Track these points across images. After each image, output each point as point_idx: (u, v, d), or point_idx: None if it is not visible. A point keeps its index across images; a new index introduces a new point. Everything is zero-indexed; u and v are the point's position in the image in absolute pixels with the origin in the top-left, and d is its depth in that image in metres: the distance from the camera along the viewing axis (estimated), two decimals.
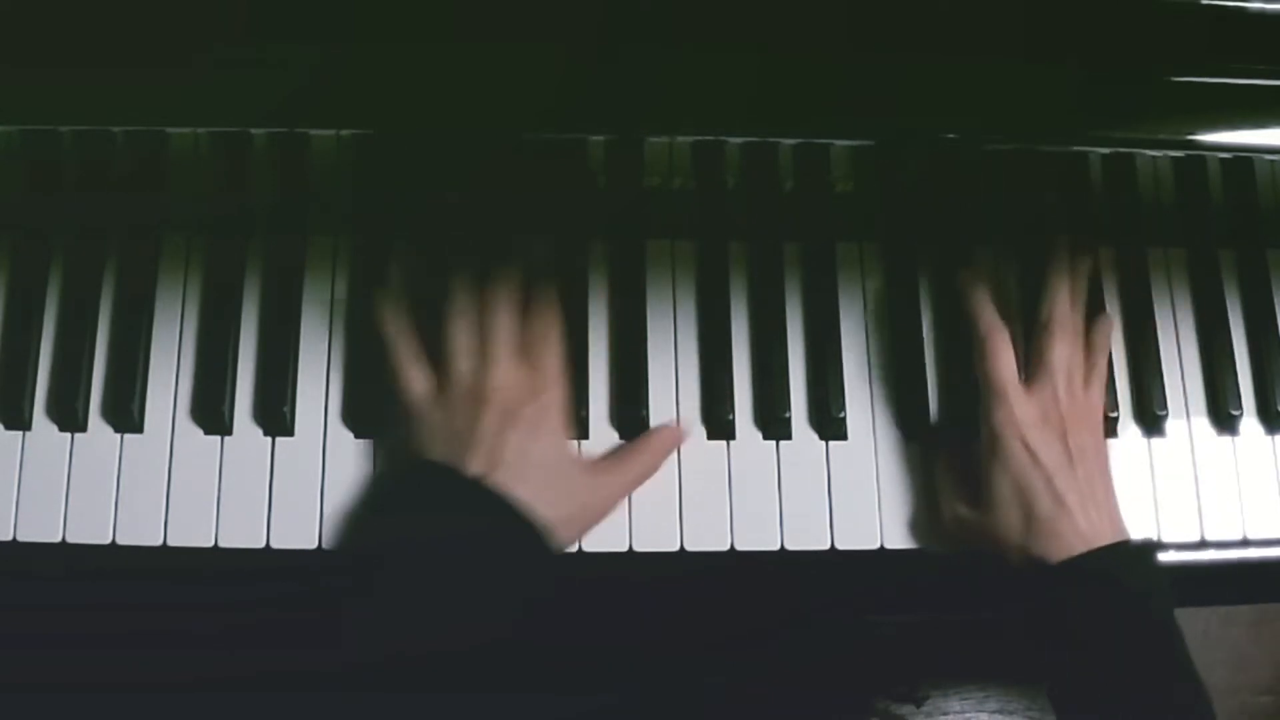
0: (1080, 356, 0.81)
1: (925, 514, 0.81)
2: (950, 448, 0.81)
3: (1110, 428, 0.83)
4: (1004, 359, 0.79)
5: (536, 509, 0.72)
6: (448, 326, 0.77)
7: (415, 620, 0.69)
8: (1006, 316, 0.81)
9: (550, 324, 0.78)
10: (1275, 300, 0.88)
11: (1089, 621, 0.73)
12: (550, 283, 0.80)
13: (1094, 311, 0.85)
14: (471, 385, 0.75)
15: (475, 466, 0.73)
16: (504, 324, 0.77)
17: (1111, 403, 0.83)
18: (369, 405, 0.79)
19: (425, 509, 0.73)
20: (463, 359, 0.76)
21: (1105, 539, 0.75)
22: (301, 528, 0.77)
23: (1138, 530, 0.82)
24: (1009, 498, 0.76)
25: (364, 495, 0.78)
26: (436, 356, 0.77)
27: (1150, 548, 0.76)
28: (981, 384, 0.79)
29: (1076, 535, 0.74)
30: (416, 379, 0.77)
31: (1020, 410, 0.77)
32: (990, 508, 0.76)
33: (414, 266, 0.81)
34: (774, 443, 0.81)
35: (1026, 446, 0.76)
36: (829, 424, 0.82)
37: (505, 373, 0.76)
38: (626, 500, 0.79)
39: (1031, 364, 0.80)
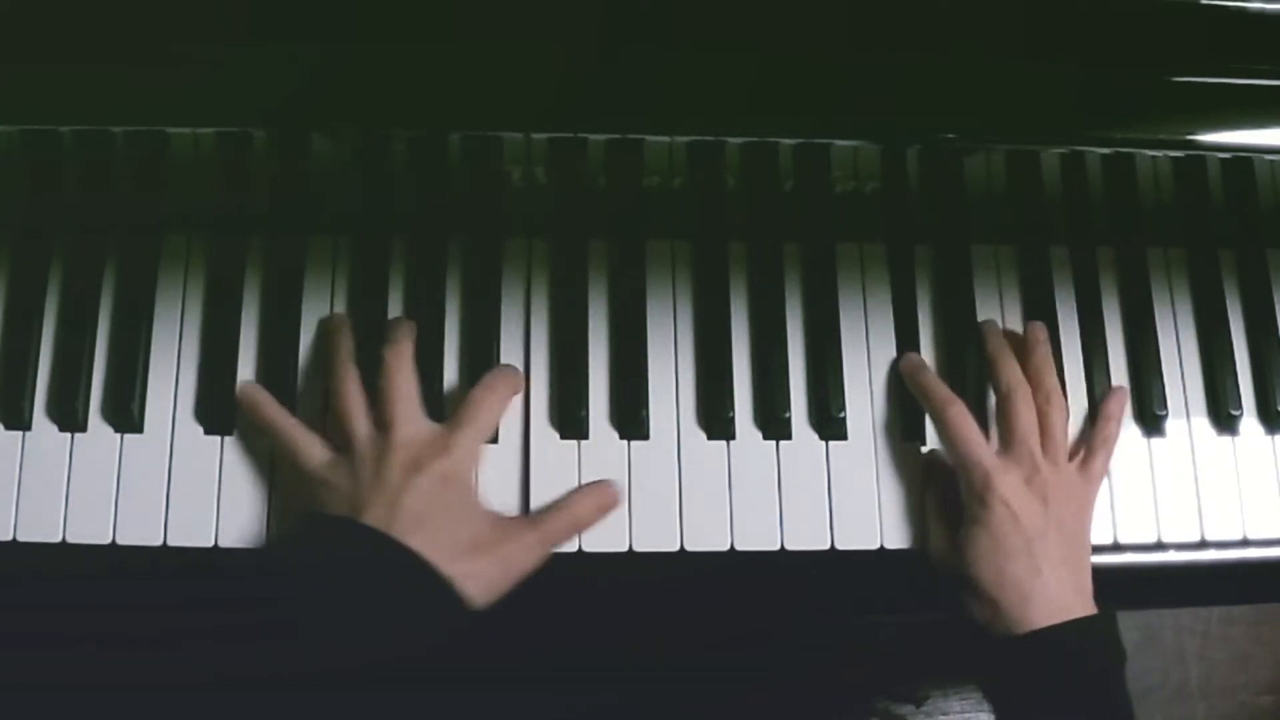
0: (1058, 418, 0.80)
1: (925, 516, 0.81)
2: (939, 478, 0.81)
3: None
4: (969, 430, 0.79)
5: (439, 559, 0.70)
6: (340, 396, 0.77)
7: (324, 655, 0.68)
8: (962, 392, 0.81)
9: (488, 391, 0.78)
10: (1275, 300, 0.88)
11: (1047, 694, 0.74)
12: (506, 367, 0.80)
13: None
14: (373, 448, 0.74)
15: (374, 516, 0.71)
16: (397, 387, 0.76)
17: None
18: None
19: (320, 558, 0.71)
20: (360, 425, 0.75)
21: (1073, 611, 0.75)
22: None
23: (1138, 531, 0.82)
24: (987, 557, 0.76)
25: (264, 552, 0.76)
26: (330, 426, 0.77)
27: (1113, 623, 0.77)
28: (954, 458, 0.79)
29: (1046, 604, 0.74)
30: (314, 447, 0.76)
31: (1000, 476, 0.77)
32: (968, 562, 0.76)
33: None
34: (774, 443, 0.81)
35: (1008, 508, 0.76)
36: (829, 424, 0.82)
37: (408, 432, 0.75)
38: (626, 500, 0.79)
39: (1002, 434, 0.80)
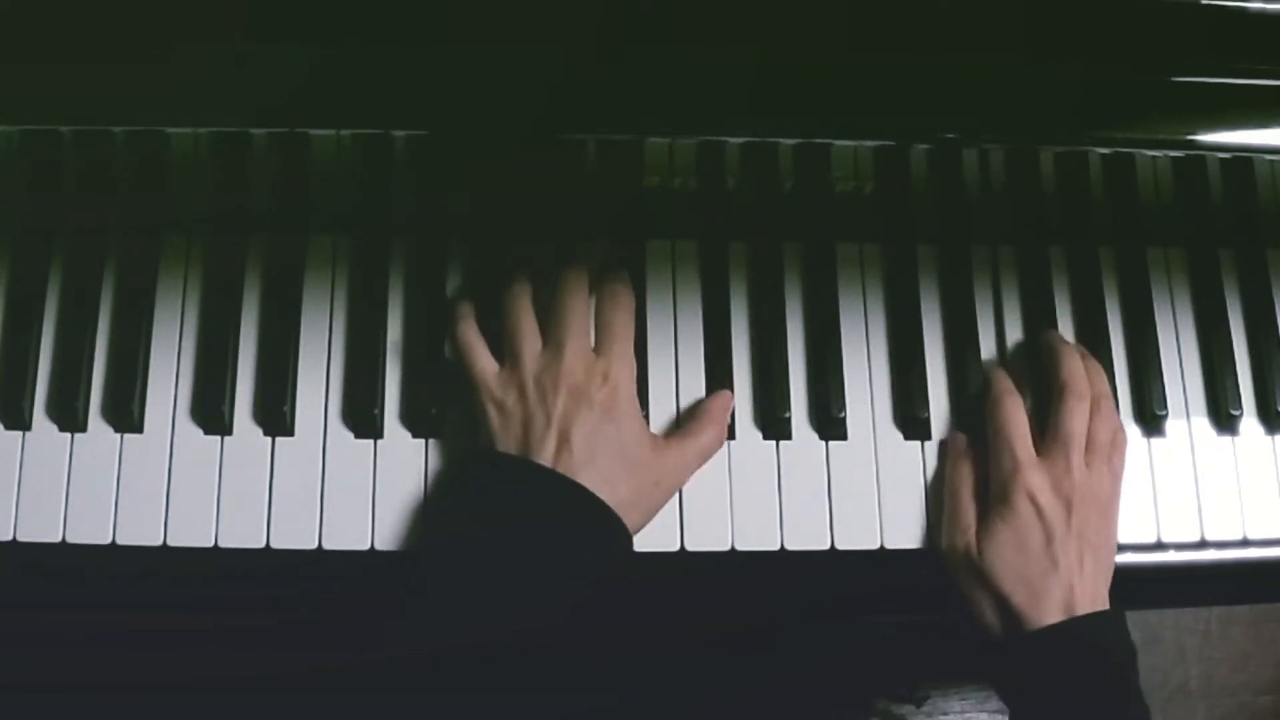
0: (1105, 425, 0.80)
1: (925, 515, 0.81)
2: (960, 466, 0.81)
3: None
4: (1016, 423, 0.79)
5: (608, 492, 0.73)
6: (513, 312, 0.78)
7: (478, 611, 0.70)
8: (1020, 385, 0.82)
9: (618, 308, 0.79)
10: (1275, 300, 0.88)
11: (1059, 691, 0.74)
12: (617, 267, 0.81)
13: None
14: (541, 370, 0.76)
15: (547, 454, 0.74)
16: (573, 309, 0.77)
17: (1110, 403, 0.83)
18: (368, 405, 0.79)
19: (498, 500, 0.74)
20: (530, 344, 0.77)
21: (1085, 607, 0.75)
22: (301, 528, 0.77)
23: (1138, 531, 0.82)
24: (1004, 551, 0.76)
25: (437, 489, 0.78)
26: (501, 344, 0.78)
27: (1121, 619, 0.77)
28: (993, 444, 0.79)
29: (1059, 602, 0.75)
30: (485, 359, 0.78)
31: (1031, 473, 0.77)
32: (983, 555, 0.77)
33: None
34: (774, 443, 0.81)
35: (1034, 503, 0.76)
36: (829, 424, 0.82)
37: (575, 357, 0.76)
38: None
39: (1046, 432, 0.80)
